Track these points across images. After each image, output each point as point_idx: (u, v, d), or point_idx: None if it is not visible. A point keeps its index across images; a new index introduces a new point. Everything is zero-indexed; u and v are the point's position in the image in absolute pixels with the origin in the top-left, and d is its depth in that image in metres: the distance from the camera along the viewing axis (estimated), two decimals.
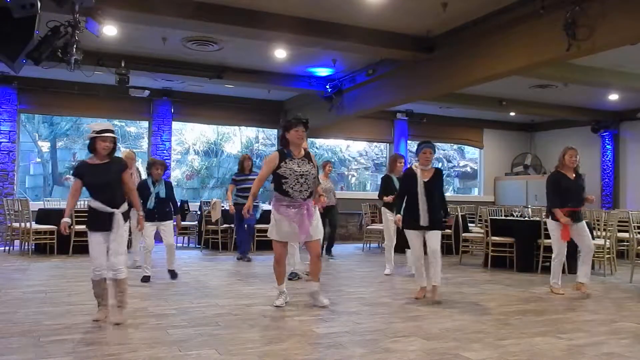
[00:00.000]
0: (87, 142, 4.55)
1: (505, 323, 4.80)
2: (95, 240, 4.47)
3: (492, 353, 3.87)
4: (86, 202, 4.69)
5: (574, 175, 6.24)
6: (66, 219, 4.53)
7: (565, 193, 6.17)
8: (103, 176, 4.47)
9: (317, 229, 5.24)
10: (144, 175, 8.06)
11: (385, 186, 7.59)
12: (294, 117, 5.23)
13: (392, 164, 7.73)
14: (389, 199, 7.32)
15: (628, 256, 8.68)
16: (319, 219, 5.40)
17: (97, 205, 4.45)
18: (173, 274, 6.87)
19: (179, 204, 11.35)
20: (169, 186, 6.87)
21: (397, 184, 7.22)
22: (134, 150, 9.91)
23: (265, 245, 10.25)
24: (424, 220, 5.57)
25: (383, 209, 7.67)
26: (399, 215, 5.92)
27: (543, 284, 6.98)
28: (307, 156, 5.26)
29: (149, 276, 6.62)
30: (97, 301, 4.65)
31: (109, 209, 4.44)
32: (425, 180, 5.64)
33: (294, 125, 5.15)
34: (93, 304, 5.21)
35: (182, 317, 4.79)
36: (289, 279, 6.48)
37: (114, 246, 4.47)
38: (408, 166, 5.90)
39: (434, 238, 5.63)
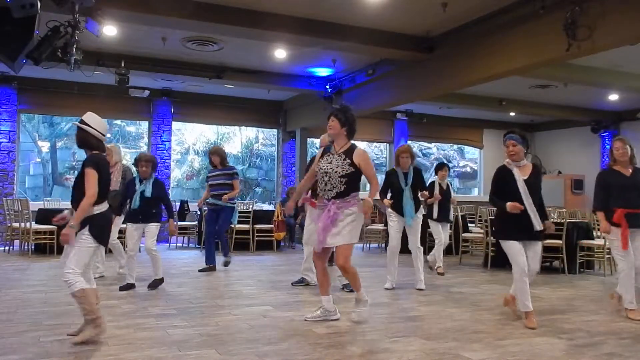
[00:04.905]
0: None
1: (505, 323, 4.80)
2: None
3: (492, 353, 3.87)
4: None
5: (630, 170, 5.19)
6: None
7: (618, 192, 5.14)
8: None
9: (338, 236, 4.41)
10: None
11: (386, 183, 6.50)
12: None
13: (397, 157, 6.46)
14: (388, 202, 6.32)
15: None
16: (350, 223, 4.44)
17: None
18: (154, 284, 6.03)
19: (178, 204, 11.44)
20: (158, 185, 6.13)
21: (401, 180, 6.33)
22: (136, 150, 9.88)
23: (266, 245, 10.30)
24: (537, 223, 4.63)
25: (388, 210, 6.53)
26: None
27: (543, 284, 6.97)
28: (348, 152, 4.50)
29: (133, 284, 5.96)
30: None
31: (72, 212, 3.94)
32: (525, 178, 4.71)
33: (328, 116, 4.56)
34: None
35: (182, 317, 4.78)
36: (292, 284, 6.46)
37: (66, 253, 3.92)
38: (503, 163, 4.90)
39: (537, 250, 4.77)
